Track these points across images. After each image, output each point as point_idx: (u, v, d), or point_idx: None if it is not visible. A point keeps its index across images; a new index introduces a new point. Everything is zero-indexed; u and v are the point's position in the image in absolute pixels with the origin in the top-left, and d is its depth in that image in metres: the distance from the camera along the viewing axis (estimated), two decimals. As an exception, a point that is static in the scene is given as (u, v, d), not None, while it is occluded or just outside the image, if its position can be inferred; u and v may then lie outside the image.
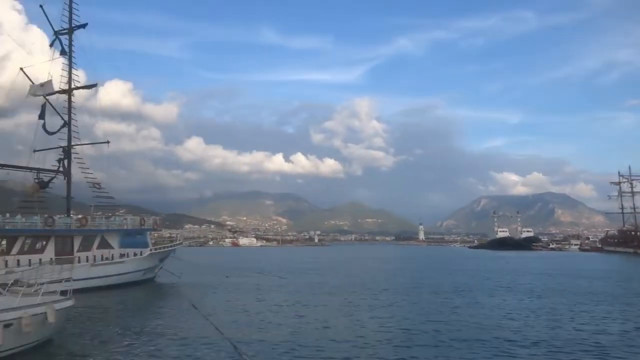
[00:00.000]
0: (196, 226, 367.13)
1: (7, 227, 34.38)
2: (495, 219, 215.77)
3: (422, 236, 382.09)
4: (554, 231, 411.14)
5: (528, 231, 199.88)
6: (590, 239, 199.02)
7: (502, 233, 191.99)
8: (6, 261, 31.83)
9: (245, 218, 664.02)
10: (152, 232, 46.60)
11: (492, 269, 61.99)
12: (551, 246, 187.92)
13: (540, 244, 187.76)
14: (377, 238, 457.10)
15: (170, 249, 45.41)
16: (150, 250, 42.13)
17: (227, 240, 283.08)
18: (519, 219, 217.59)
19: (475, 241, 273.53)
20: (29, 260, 32.94)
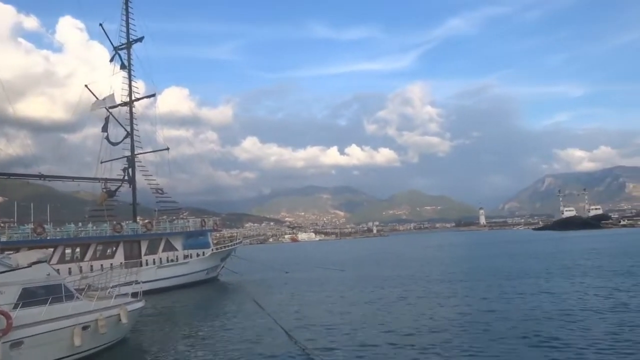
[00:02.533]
0: (256, 224, 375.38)
1: (80, 236, 36.62)
2: (561, 198, 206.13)
3: (482, 221, 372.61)
4: (625, 207, 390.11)
5: (596, 209, 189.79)
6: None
7: (569, 212, 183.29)
8: (80, 267, 33.97)
9: (303, 213, 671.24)
10: (213, 233, 48.22)
11: (536, 253, 59.81)
12: (622, 223, 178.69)
13: (610, 221, 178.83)
14: (437, 225, 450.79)
15: (230, 248, 46.91)
16: (212, 250, 43.71)
17: (286, 236, 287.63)
18: (586, 197, 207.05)
19: (540, 223, 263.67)
20: (101, 265, 35.02)
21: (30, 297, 15.17)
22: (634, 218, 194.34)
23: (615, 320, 17.86)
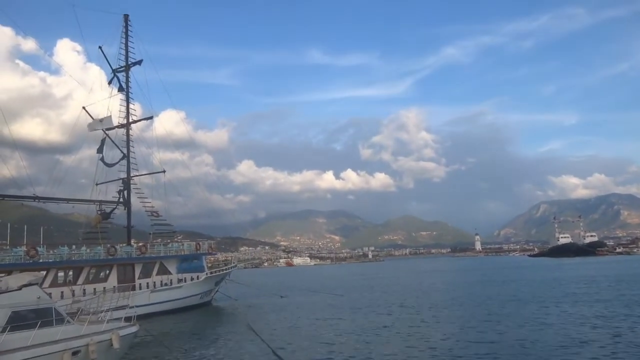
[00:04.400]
0: (251, 248, 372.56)
1: (73, 259, 36.07)
2: (556, 225, 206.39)
3: (478, 247, 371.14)
4: (620, 234, 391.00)
5: (592, 236, 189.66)
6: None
7: (564, 239, 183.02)
8: (73, 291, 33.41)
9: (298, 237, 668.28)
10: (208, 256, 47.63)
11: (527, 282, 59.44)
12: (618, 250, 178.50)
13: (606, 248, 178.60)
14: (433, 251, 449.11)
15: (225, 272, 46.28)
16: (207, 274, 43.08)
17: (281, 260, 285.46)
18: (581, 224, 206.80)
19: (535, 249, 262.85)
20: (94, 289, 34.42)
21: (19, 320, 14.77)
22: (630, 246, 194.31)
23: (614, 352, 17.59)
